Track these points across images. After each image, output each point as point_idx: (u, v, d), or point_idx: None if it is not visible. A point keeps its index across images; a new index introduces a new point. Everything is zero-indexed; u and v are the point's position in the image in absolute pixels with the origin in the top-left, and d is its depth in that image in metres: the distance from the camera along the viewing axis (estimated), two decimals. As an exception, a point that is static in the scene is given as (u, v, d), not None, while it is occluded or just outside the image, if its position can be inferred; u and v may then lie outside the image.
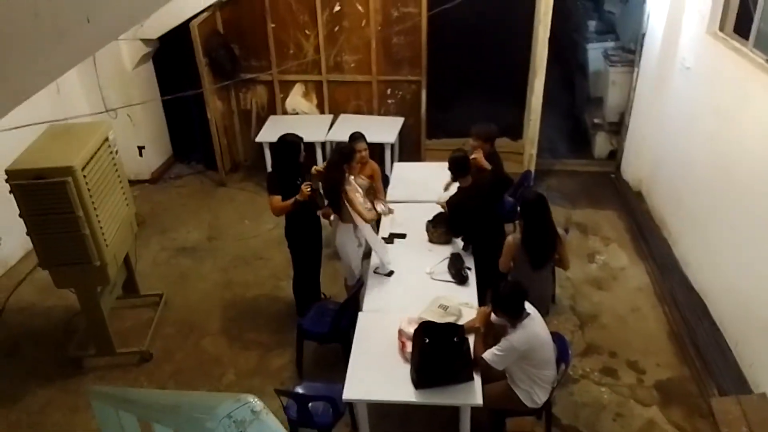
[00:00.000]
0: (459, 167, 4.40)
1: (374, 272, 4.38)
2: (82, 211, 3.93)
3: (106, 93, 6.54)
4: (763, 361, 3.98)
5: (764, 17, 4.44)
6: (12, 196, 3.87)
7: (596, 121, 7.16)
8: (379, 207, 4.82)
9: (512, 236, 4.10)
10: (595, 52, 7.17)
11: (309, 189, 4.25)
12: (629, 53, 6.70)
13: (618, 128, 6.98)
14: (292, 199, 4.32)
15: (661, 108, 6.04)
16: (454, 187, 4.60)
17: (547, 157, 7.27)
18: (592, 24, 7.53)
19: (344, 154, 4.43)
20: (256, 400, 1.27)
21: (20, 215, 3.93)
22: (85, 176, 3.93)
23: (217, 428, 1.22)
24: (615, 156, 7.08)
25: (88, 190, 3.97)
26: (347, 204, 4.33)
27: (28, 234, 4.02)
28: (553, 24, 6.02)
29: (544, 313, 4.10)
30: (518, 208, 5.47)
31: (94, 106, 6.36)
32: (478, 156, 4.63)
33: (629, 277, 5.38)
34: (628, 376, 4.37)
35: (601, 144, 7.18)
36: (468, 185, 4.42)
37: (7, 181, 3.82)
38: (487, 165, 4.62)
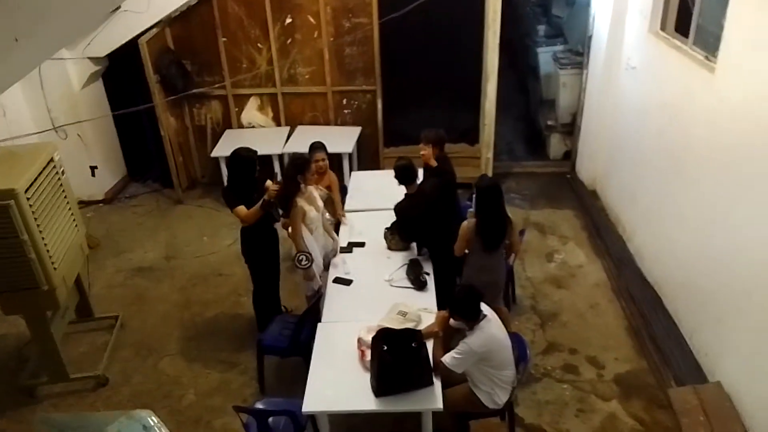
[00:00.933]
0: (404, 175, 4.45)
1: (333, 282, 4.35)
2: (27, 235, 3.81)
3: (54, 114, 6.38)
4: (717, 350, 4.08)
5: (702, 15, 4.59)
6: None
7: (550, 122, 7.29)
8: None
9: (466, 221, 4.20)
10: (545, 56, 7.31)
11: (275, 188, 4.21)
12: (577, 55, 6.86)
13: (571, 129, 7.12)
14: (260, 202, 4.26)
15: (610, 107, 6.18)
16: None
17: (505, 160, 7.37)
18: (542, 28, 7.68)
19: (298, 165, 4.40)
20: (150, 416, 1.24)
21: (-39, 241, 3.79)
22: (28, 198, 3.81)
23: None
24: (570, 156, 7.21)
25: (33, 212, 3.85)
26: (291, 223, 4.33)
27: (-30, 261, 3.88)
28: (506, 29, 6.11)
29: (497, 296, 4.31)
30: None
31: (41, 126, 6.20)
32: (426, 152, 4.69)
33: (587, 274, 5.47)
34: (589, 372, 4.42)
35: (555, 145, 7.31)
36: (413, 192, 4.46)
37: (-56, 207, 3.68)
38: (433, 162, 4.67)
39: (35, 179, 3.96)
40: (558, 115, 7.19)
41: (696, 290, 4.37)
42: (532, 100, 8.17)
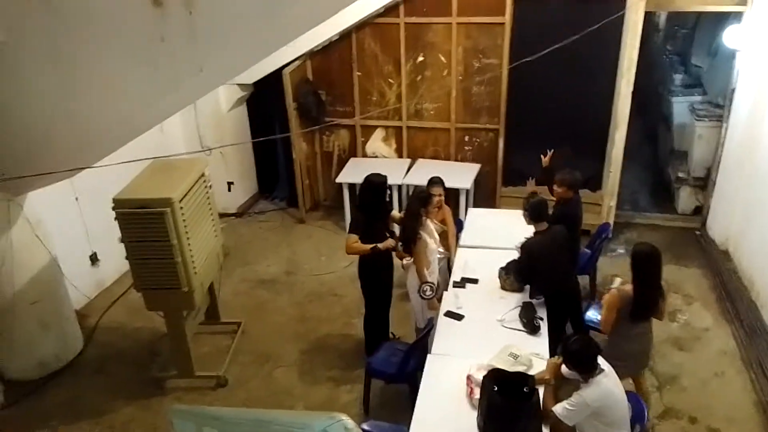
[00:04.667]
0: (536, 211, 4.38)
1: (444, 315, 4.42)
2: (177, 240, 4.24)
3: (202, 132, 7.08)
4: None
5: None
6: (115, 222, 4.24)
7: (680, 175, 6.96)
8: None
9: (615, 290, 3.97)
10: (680, 106, 7.04)
11: (392, 244, 4.39)
12: (717, 108, 6.54)
13: (704, 183, 6.76)
14: (372, 245, 4.46)
15: (751, 165, 5.81)
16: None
17: (628, 210, 7.11)
18: (678, 77, 7.41)
19: (421, 199, 4.56)
20: (348, 418, 1.37)
21: (121, 240, 4.30)
22: (181, 208, 4.26)
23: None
24: (700, 212, 6.82)
25: (184, 220, 4.28)
26: (414, 256, 4.45)
27: (126, 258, 4.38)
28: (637, 77, 5.98)
29: (644, 365, 4.14)
30: (596, 261, 5.39)
31: (190, 142, 6.89)
32: (560, 191, 4.77)
33: (713, 339, 5.12)
34: (709, 445, 4.13)
35: (685, 199, 6.96)
36: (543, 230, 4.40)
37: (113, 209, 4.20)
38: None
39: (188, 191, 4.42)
40: (690, 167, 6.85)
41: (842, 372, 3.96)
42: (662, 150, 7.85)
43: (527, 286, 4.59)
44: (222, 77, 3.18)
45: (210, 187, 4.84)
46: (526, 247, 4.43)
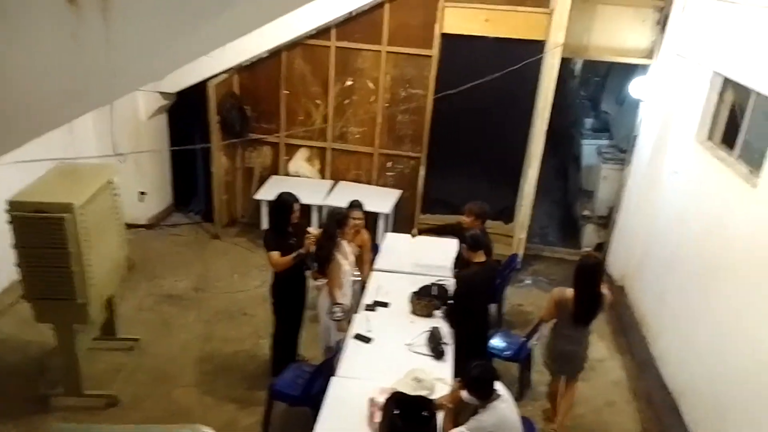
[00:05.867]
0: (476, 242, 4.44)
1: (353, 338, 4.41)
2: (75, 248, 4.02)
3: (117, 138, 6.77)
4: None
5: (750, 130, 4.69)
6: (6, 227, 3.97)
7: (586, 213, 7.37)
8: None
9: (559, 289, 4.38)
10: (589, 148, 7.48)
11: (312, 241, 4.38)
12: (621, 152, 7.00)
13: (606, 222, 7.18)
14: (294, 253, 4.43)
15: (649, 207, 6.23)
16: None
17: (537, 243, 7.43)
18: (589, 121, 7.89)
19: (338, 221, 4.57)
20: (208, 429, 1.34)
21: (14, 246, 4.02)
22: (83, 214, 4.05)
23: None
24: (602, 248, 7.23)
25: (85, 228, 4.07)
26: (328, 275, 4.45)
27: (17, 265, 4.09)
28: (553, 117, 6.33)
29: (579, 369, 4.42)
30: (503, 290, 5.58)
31: (103, 149, 6.57)
32: (467, 222, 4.91)
33: (607, 369, 5.39)
34: (599, 471, 4.31)
35: (589, 235, 7.36)
36: (482, 262, 4.44)
37: (7, 211, 3.93)
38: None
39: (92, 197, 4.21)
40: (595, 206, 7.27)
41: (717, 404, 4.26)
42: (571, 188, 8.29)
43: (436, 312, 4.67)
44: (135, 84, 3.07)
45: (118, 195, 4.64)
46: (465, 279, 4.49)
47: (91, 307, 4.30)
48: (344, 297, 4.62)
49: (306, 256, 4.51)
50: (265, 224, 6.81)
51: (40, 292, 4.19)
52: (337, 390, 3.91)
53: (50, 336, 4.58)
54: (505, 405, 3.42)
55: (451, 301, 4.64)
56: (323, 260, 4.54)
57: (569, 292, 4.28)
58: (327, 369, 4.23)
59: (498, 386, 3.45)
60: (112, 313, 5.12)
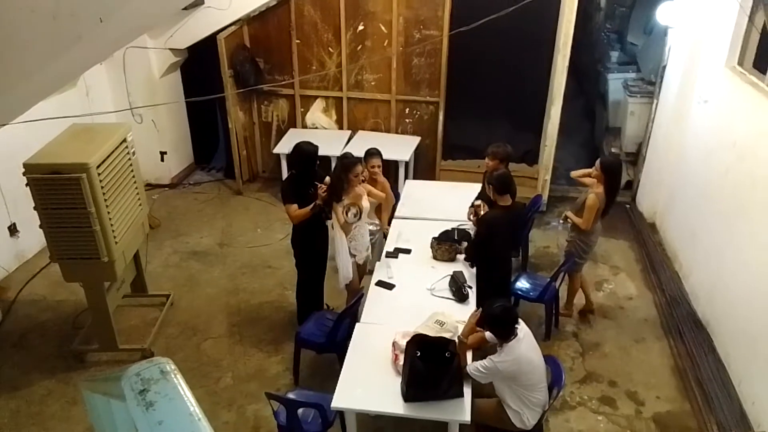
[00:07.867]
0: (503, 185, 4.29)
1: (375, 284, 4.40)
2: (94, 208, 4.05)
3: (132, 98, 6.76)
4: (765, 399, 3.87)
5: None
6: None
7: (614, 150, 7.12)
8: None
9: (594, 194, 4.61)
10: (615, 83, 7.17)
11: (324, 189, 4.33)
12: (649, 85, 6.69)
13: (635, 159, 6.94)
14: (311, 205, 4.38)
15: (678, 140, 6.00)
16: None
17: (563, 184, 7.24)
18: (615, 55, 7.54)
19: (345, 165, 4.49)
20: (169, 362, 1.34)
21: (34, 208, 4.07)
22: (99, 174, 4.06)
23: (126, 385, 1.31)
24: (631, 186, 7.02)
25: (102, 187, 4.09)
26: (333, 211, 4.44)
27: (40, 227, 4.16)
28: (577, 55, 6.04)
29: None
30: (528, 232, 5.51)
31: (120, 108, 6.57)
32: (492, 165, 4.83)
33: (636, 307, 5.30)
34: (627, 407, 4.28)
35: (617, 174, 7.12)
36: (507, 205, 4.33)
37: (24, 174, 3.96)
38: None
39: (108, 156, 4.21)
40: (623, 143, 7.02)
41: (750, 336, 4.17)
42: (598, 127, 8.01)
43: (459, 257, 4.63)
44: (128, 34, 3.00)
45: (133, 153, 4.63)
46: (486, 222, 4.37)
47: (116, 265, 4.37)
48: (353, 241, 4.59)
49: (322, 206, 4.47)
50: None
51: (65, 253, 4.26)
52: (361, 335, 3.94)
53: (83, 295, 4.69)
54: (521, 345, 3.38)
55: (468, 242, 4.60)
56: (331, 201, 4.48)
57: (601, 193, 4.58)
58: (350, 315, 4.26)
59: (519, 326, 3.41)
60: (140, 270, 5.20)
